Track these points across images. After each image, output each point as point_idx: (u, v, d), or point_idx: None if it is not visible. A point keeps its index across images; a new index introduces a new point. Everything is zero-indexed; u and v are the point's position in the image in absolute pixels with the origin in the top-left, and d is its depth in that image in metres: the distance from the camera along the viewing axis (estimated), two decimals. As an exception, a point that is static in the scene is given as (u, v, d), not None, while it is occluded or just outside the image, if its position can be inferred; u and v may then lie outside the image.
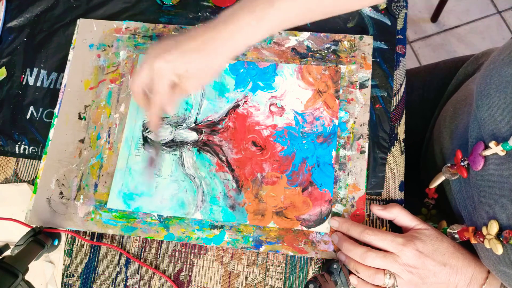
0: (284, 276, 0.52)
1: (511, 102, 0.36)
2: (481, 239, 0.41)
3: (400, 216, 0.48)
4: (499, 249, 0.38)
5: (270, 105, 0.56)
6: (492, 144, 0.38)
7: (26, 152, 0.59)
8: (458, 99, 0.56)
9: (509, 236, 0.36)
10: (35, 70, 0.63)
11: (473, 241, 0.43)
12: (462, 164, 0.44)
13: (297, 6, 0.43)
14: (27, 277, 0.46)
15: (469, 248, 0.46)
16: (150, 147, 0.56)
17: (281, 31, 0.58)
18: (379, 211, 0.49)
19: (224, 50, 0.43)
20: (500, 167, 0.38)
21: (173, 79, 0.43)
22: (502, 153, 0.37)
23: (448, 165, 0.47)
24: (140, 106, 0.47)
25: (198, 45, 0.42)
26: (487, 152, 0.39)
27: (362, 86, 0.55)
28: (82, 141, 0.57)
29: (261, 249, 0.51)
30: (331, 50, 0.57)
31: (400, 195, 0.53)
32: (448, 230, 0.48)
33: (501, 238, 0.38)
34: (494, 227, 0.38)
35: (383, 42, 0.58)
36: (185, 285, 0.52)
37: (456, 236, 0.46)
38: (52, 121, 0.58)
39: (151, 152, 0.56)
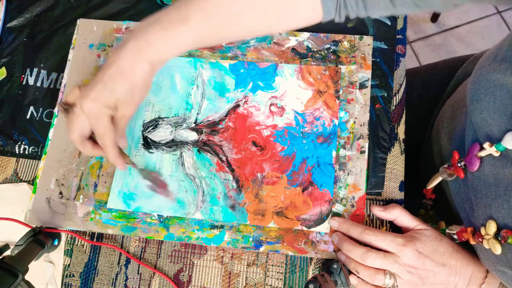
0: (284, 276, 0.52)
1: (500, 105, 0.37)
2: (480, 240, 0.41)
3: (401, 216, 0.48)
4: (497, 249, 0.38)
5: (270, 105, 0.56)
6: (486, 145, 0.39)
7: (26, 152, 0.59)
8: (456, 100, 0.56)
9: (507, 235, 0.37)
10: (35, 70, 0.63)
11: (472, 242, 0.43)
12: (459, 165, 0.44)
13: (212, 25, 0.42)
14: (27, 277, 0.46)
15: (468, 248, 0.46)
16: (146, 179, 0.53)
17: (281, 32, 0.58)
18: (379, 212, 0.49)
19: (139, 68, 0.41)
20: (495, 168, 0.39)
21: (109, 113, 0.42)
22: (496, 154, 0.38)
23: (445, 166, 0.48)
24: (92, 155, 0.45)
25: (115, 71, 0.41)
26: (482, 153, 0.40)
27: (362, 86, 0.55)
28: (82, 141, 0.57)
29: (261, 249, 0.51)
30: (331, 50, 0.57)
31: (400, 195, 0.53)
32: (447, 231, 0.48)
33: (499, 238, 0.38)
34: (492, 227, 0.39)
35: (383, 42, 0.58)
36: (185, 285, 0.52)
37: (455, 237, 0.46)
38: (52, 121, 0.58)
39: (149, 183, 0.53)
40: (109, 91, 0.41)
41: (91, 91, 0.41)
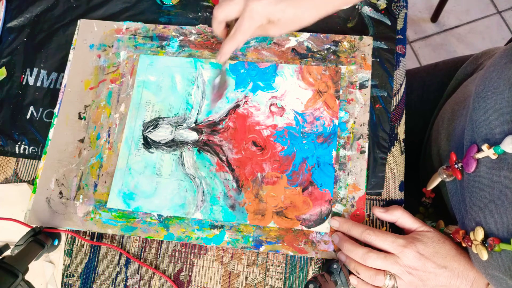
0: (284, 276, 0.52)
1: (507, 106, 0.36)
2: (469, 244, 0.41)
3: (402, 218, 0.48)
4: (484, 255, 0.38)
5: (271, 105, 0.56)
6: (484, 147, 0.38)
7: (26, 152, 0.59)
8: (456, 100, 0.56)
9: (494, 244, 0.37)
10: (35, 70, 0.63)
11: (463, 244, 0.43)
12: (456, 166, 0.44)
13: None
14: (27, 277, 0.46)
15: None
16: (220, 79, 0.55)
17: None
18: (380, 213, 0.49)
19: (318, 6, 0.43)
20: (491, 171, 0.38)
21: (263, 21, 0.44)
22: (493, 157, 0.37)
23: (444, 166, 0.47)
24: (216, 34, 0.47)
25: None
26: (480, 155, 0.39)
27: (362, 86, 0.55)
28: (82, 141, 0.57)
29: (261, 249, 0.51)
30: (331, 50, 0.57)
31: (400, 195, 0.53)
32: (445, 230, 0.48)
33: (486, 245, 0.38)
34: (479, 233, 0.39)
35: (383, 42, 0.58)
36: (185, 285, 0.52)
37: (452, 236, 0.46)
38: (52, 121, 0.58)
39: (217, 83, 0.55)
40: (279, 9, 0.43)
41: None
